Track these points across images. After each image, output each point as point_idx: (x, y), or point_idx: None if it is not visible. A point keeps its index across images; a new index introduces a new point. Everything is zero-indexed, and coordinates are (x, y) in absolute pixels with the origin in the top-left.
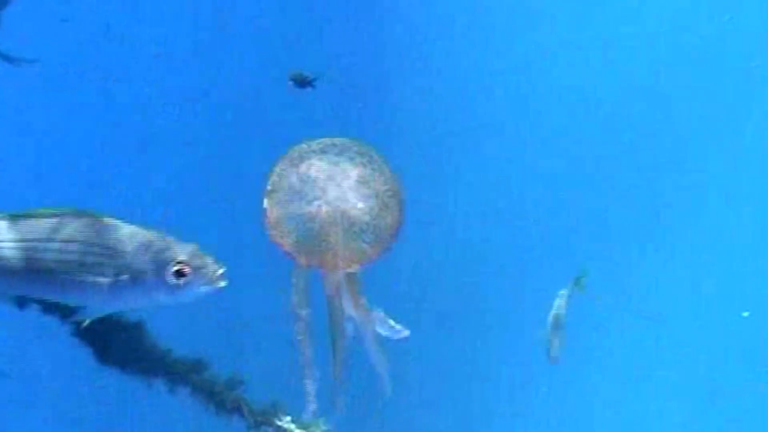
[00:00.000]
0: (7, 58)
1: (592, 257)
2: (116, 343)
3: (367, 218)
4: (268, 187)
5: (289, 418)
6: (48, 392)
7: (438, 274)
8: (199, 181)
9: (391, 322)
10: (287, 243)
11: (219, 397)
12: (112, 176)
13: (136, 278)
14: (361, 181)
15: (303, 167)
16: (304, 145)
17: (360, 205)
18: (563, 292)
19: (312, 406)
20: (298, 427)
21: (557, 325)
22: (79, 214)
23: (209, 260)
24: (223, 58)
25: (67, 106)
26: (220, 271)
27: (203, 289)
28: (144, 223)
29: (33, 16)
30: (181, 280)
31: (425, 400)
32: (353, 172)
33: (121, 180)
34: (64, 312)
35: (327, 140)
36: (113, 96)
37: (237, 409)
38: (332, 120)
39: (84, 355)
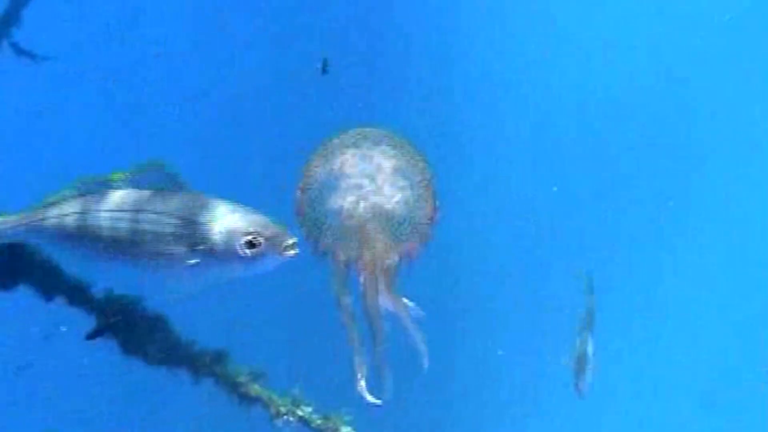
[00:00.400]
0: (27, 54)
1: (597, 258)
2: (140, 336)
3: (404, 210)
4: (302, 185)
5: (310, 409)
6: (69, 385)
7: (447, 273)
8: (200, 179)
9: (409, 303)
10: (324, 240)
11: (242, 388)
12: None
13: (211, 250)
14: (396, 174)
15: (337, 162)
16: (336, 140)
17: (396, 197)
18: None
19: (362, 384)
20: (319, 418)
21: (583, 360)
22: (157, 186)
23: (280, 231)
24: (222, 58)
25: (67, 105)
26: (291, 241)
27: (275, 259)
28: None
29: (33, 15)
30: (253, 251)
31: (437, 399)
32: (387, 165)
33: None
34: (90, 304)
35: (359, 133)
36: (113, 95)
37: (259, 400)
38: (332, 119)
39: (106, 348)
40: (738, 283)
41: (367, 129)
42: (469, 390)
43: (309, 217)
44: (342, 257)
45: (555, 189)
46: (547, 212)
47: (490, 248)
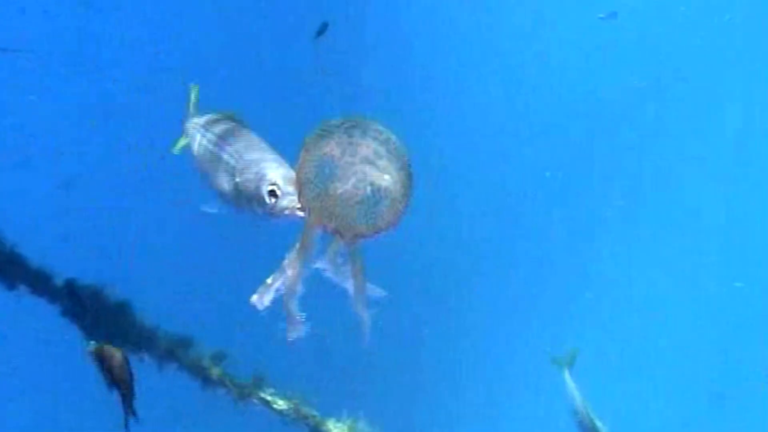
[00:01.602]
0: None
1: (588, 255)
2: (104, 322)
3: (398, 189)
4: (305, 174)
5: (272, 390)
6: (32, 373)
7: (442, 272)
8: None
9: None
10: (330, 223)
11: (205, 372)
12: (108, 174)
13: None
14: (388, 157)
15: (336, 152)
16: (326, 129)
17: (387, 177)
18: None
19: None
20: (281, 399)
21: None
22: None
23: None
24: (217, 58)
25: (64, 104)
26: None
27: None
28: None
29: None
30: (273, 200)
31: (431, 393)
32: (381, 150)
33: (116, 179)
34: (53, 293)
35: (346, 122)
36: (112, 96)
37: (222, 383)
38: (316, 117)
39: (70, 336)
40: (734, 280)
41: (354, 118)
42: (463, 386)
43: (309, 197)
44: (347, 237)
45: (547, 174)
46: (533, 207)
47: (481, 246)
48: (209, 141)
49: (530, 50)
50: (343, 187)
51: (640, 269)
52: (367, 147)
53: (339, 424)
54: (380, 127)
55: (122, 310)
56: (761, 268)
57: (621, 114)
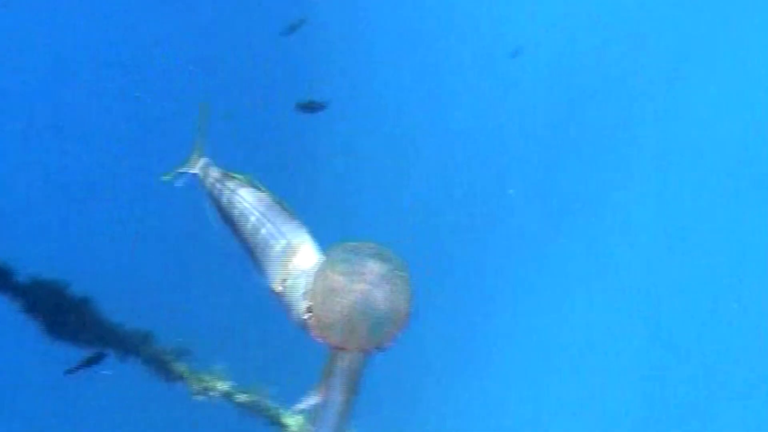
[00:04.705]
0: None
1: (575, 255)
2: (66, 318)
3: (404, 307)
4: (311, 307)
5: (232, 384)
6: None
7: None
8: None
9: None
10: (348, 342)
11: (167, 366)
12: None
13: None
14: (393, 282)
15: (356, 287)
16: (334, 262)
17: (396, 301)
18: None
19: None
20: (241, 392)
21: None
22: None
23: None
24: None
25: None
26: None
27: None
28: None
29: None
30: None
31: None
32: (386, 281)
33: (117, 188)
34: (15, 289)
35: (350, 254)
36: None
37: (183, 377)
38: (310, 127)
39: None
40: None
41: (355, 245)
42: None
43: (325, 327)
44: (349, 347)
45: (511, 191)
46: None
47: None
48: (249, 209)
49: (509, 49)
50: (364, 322)
51: (626, 270)
52: (371, 273)
53: (295, 416)
54: (381, 249)
55: (84, 306)
56: (757, 265)
57: (604, 111)
